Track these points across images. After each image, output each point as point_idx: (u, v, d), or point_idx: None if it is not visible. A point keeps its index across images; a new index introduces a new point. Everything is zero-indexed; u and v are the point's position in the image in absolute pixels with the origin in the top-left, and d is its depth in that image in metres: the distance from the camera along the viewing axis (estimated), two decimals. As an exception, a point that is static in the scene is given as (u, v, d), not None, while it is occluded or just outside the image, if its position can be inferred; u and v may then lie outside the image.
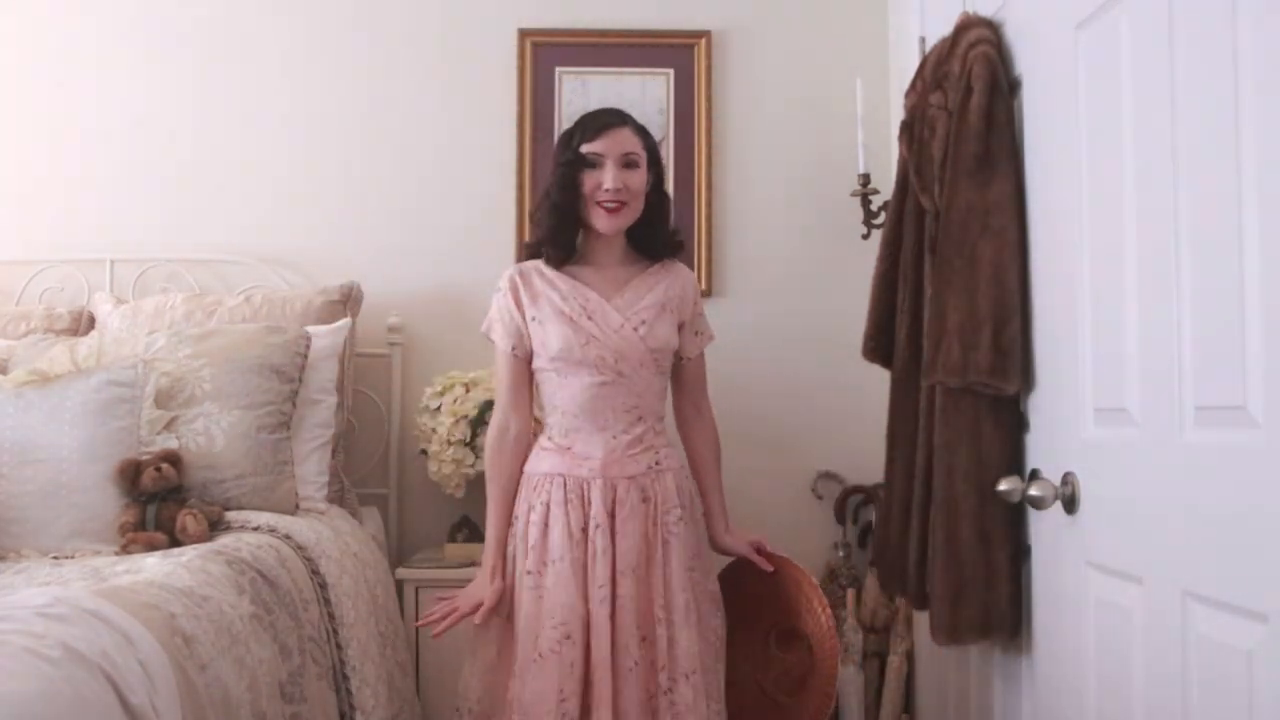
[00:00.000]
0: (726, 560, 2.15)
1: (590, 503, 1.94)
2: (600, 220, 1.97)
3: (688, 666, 1.90)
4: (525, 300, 2.02)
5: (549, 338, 1.98)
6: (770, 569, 2.03)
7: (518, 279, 2.04)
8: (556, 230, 2.00)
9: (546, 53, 2.82)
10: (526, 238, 2.14)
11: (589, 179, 1.96)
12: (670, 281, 2.06)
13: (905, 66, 2.48)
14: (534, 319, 2.01)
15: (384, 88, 2.84)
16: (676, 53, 2.83)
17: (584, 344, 1.96)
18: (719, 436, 2.16)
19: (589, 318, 1.98)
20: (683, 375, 2.13)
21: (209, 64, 2.84)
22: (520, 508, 2.00)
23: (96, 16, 2.85)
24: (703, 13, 2.85)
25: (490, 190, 2.83)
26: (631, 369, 1.98)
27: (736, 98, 2.86)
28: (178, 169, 2.83)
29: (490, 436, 2.08)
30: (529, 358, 2.05)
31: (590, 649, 1.87)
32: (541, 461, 2.01)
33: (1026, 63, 1.77)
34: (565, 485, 1.96)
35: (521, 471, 2.04)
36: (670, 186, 2.78)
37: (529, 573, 1.92)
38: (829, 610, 1.93)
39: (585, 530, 1.93)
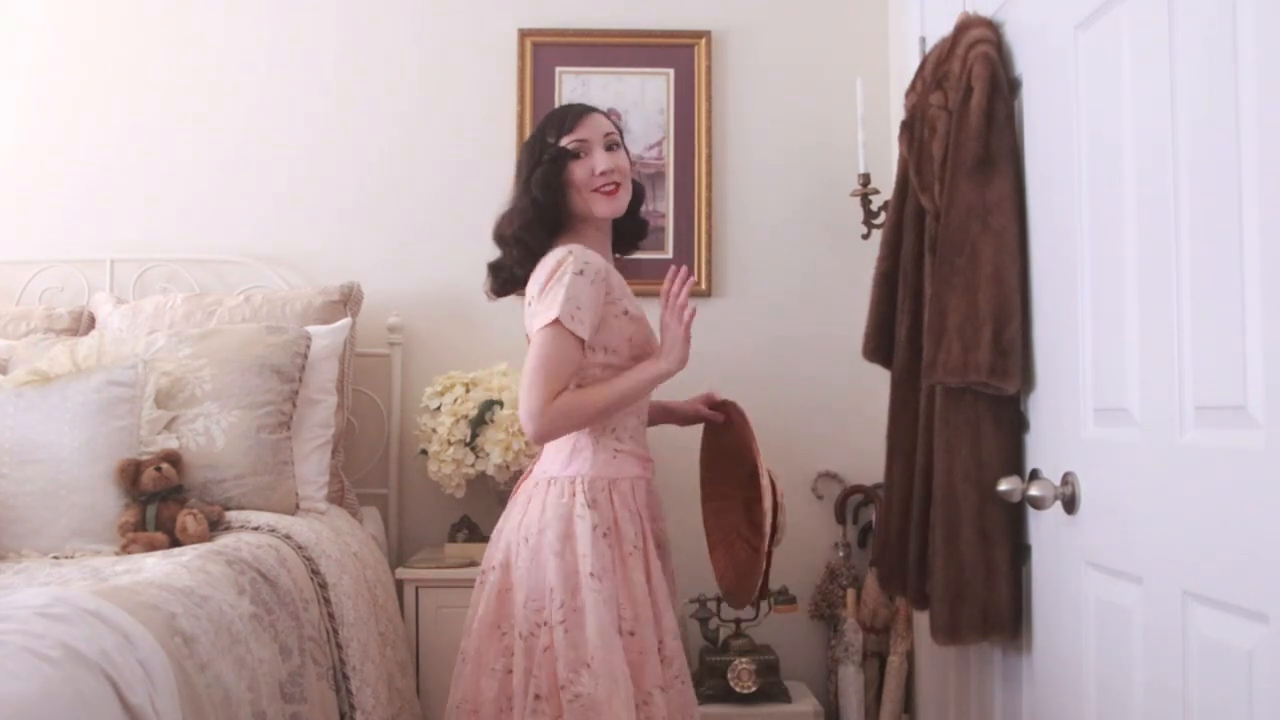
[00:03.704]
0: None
1: (656, 504, 1.95)
2: (601, 205, 1.89)
3: None
4: (616, 292, 1.87)
5: (639, 333, 1.89)
6: (720, 418, 2.02)
7: (605, 268, 1.85)
8: (532, 226, 1.89)
9: (546, 53, 2.82)
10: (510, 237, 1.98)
11: (578, 170, 1.88)
12: None
13: (905, 66, 2.49)
14: (626, 313, 1.87)
15: (384, 88, 2.84)
16: (676, 53, 2.83)
17: (654, 338, 1.93)
18: None
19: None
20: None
21: (208, 65, 2.84)
22: (618, 512, 1.83)
23: (96, 17, 2.85)
24: (703, 13, 2.85)
25: (491, 190, 2.80)
26: None
27: (736, 98, 2.86)
28: (178, 169, 2.83)
29: (564, 401, 1.79)
30: None
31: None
32: (625, 466, 1.87)
33: (1026, 63, 1.77)
34: (646, 489, 1.91)
35: None
36: (670, 187, 2.80)
37: (649, 579, 1.84)
38: (752, 434, 1.90)
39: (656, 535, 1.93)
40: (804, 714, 2.43)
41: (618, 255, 2.05)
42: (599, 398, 1.81)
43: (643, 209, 2.09)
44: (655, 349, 1.90)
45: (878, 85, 2.76)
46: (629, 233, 2.04)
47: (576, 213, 1.92)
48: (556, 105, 2.79)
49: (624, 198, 1.93)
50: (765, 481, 1.81)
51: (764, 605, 2.55)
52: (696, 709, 1.89)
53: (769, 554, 1.85)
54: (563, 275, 1.78)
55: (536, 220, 1.90)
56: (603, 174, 1.88)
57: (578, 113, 1.93)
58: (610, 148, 1.91)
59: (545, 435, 1.80)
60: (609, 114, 2.00)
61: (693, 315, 1.85)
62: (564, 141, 1.90)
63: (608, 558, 1.79)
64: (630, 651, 1.75)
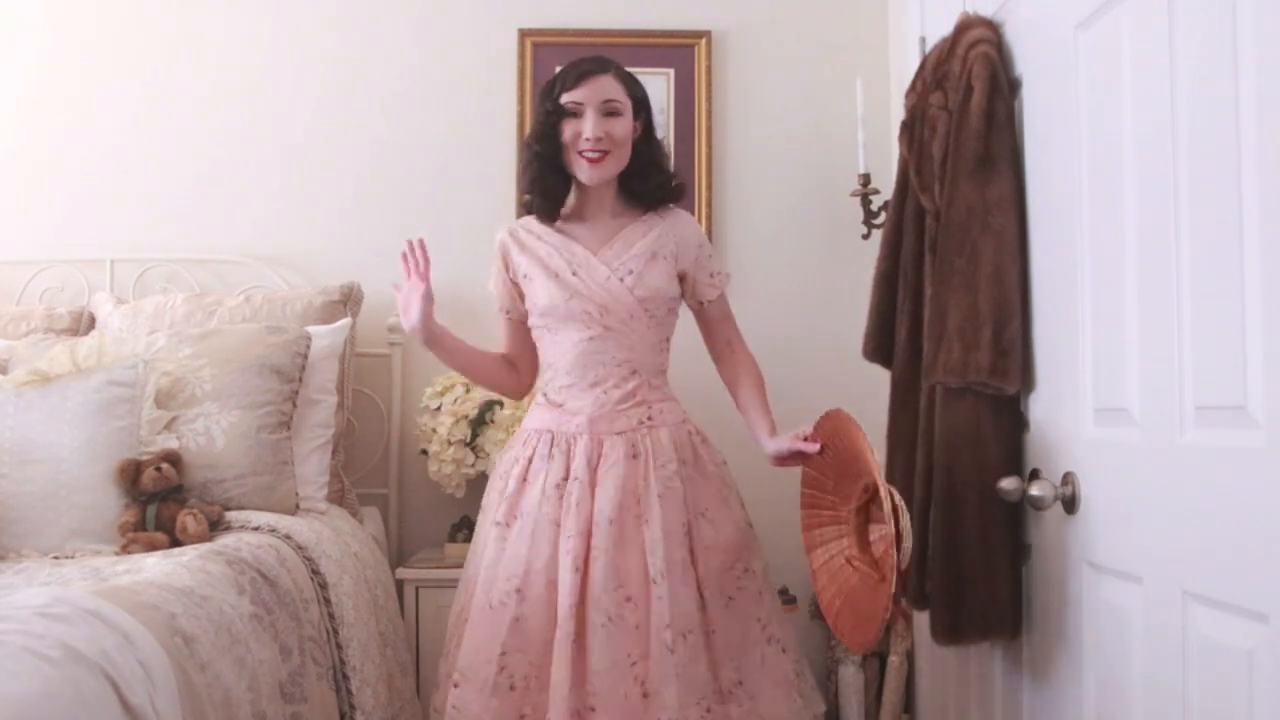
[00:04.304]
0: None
1: (573, 457, 1.90)
2: (582, 170, 1.93)
3: (685, 625, 1.82)
4: (515, 259, 2.00)
5: (537, 294, 1.96)
6: (816, 448, 1.88)
7: (508, 239, 2.03)
8: (541, 180, 1.97)
9: (546, 53, 2.82)
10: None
11: (569, 128, 1.91)
12: (665, 228, 2.01)
13: (905, 66, 2.49)
14: (525, 276, 1.99)
15: (384, 87, 2.84)
16: (676, 53, 2.83)
17: (568, 299, 1.92)
18: (758, 366, 2.10)
19: (574, 273, 1.94)
20: (706, 319, 2.10)
21: (209, 65, 2.84)
22: (506, 463, 1.98)
23: (96, 16, 2.85)
24: (703, 13, 2.85)
25: (491, 190, 2.83)
26: (620, 322, 1.94)
27: (736, 98, 2.86)
28: (178, 169, 2.83)
29: None
30: (524, 318, 2.04)
31: (553, 605, 1.80)
32: (533, 418, 2.00)
33: (1026, 63, 1.77)
34: (551, 440, 1.93)
35: (495, 367, 2.12)
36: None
37: (496, 524, 1.90)
38: (873, 455, 1.72)
39: (561, 484, 1.89)
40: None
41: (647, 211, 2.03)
42: None
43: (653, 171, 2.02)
44: (572, 310, 1.94)
45: (878, 85, 2.76)
46: (640, 193, 2.01)
47: (568, 170, 1.96)
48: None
49: (610, 166, 1.94)
50: (882, 486, 1.68)
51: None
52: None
53: (898, 569, 1.66)
54: None
55: (542, 175, 1.97)
56: (586, 139, 1.90)
57: (581, 72, 1.93)
58: (609, 113, 1.91)
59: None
60: (622, 77, 1.96)
61: (416, 283, 1.97)
62: (563, 99, 1.91)
63: (488, 498, 2.00)
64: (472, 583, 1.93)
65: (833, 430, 1.86)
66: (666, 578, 1.81)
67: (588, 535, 1.83)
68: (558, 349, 1.97)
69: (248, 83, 2.84)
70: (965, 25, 1.88)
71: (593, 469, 1.89)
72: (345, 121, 2.84)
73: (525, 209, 2.08)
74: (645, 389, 1.96)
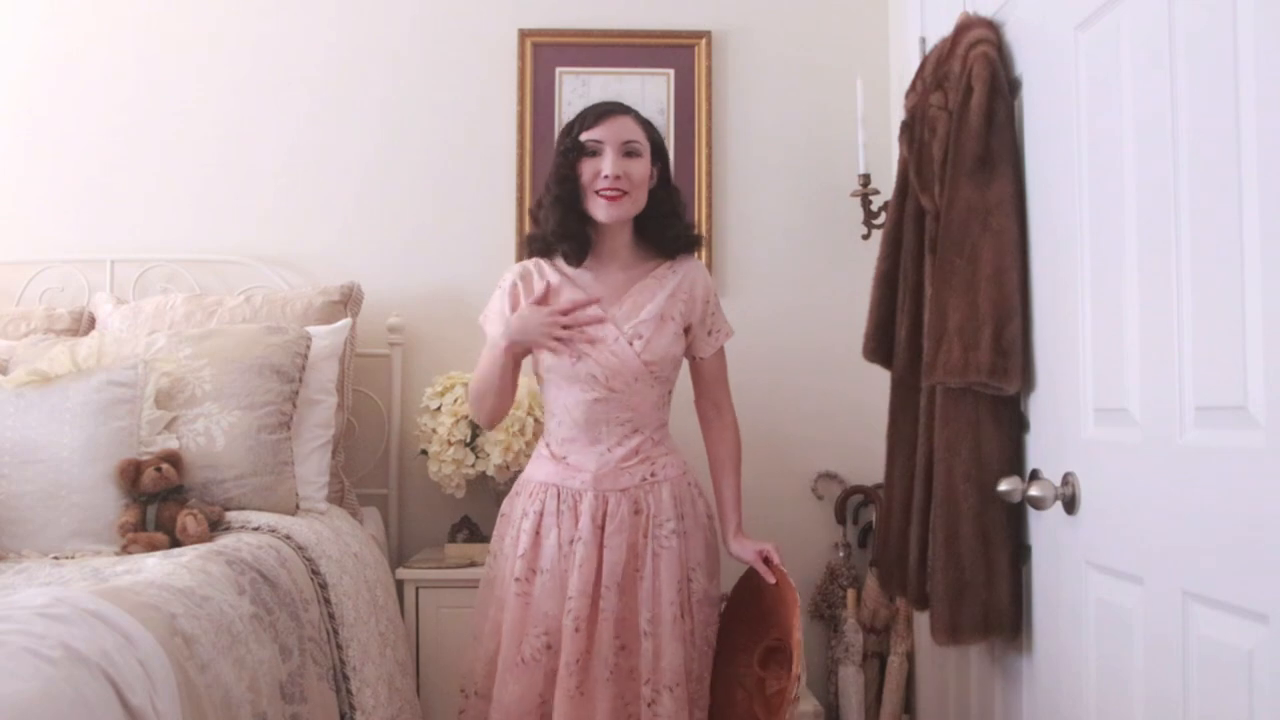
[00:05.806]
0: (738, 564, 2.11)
1: (580, 515, 1.92)
2: (600, 209, 1.92)
3: (672, 679, 1.87)
4: (524, 302, 1.99)
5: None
6: (772, 580, 1.96)
7: (519, 281, 2.02)
8: (563, 223, 1.95)
9: (546, 53, 2.83)
10: (527, 232, 2.11)
11: (588, 167, 1.92)
12: (677, 285, 2.00)
13: (905, 66, 2.49)
14: None
15: (384, 88, 2.84)
16: (676, 53, 2.83)
17: (575, 361, 1.93)
18: (739, 436, 2.11)
19: (583, 330, 1.94)
20: (700, 374, 2.10)
21: (209, 65, 2.84)
22: (515, 513, 2.00)
23: (97, 17, 2.85)
24: (703, 13, 2.85)
25: (491, 190, 2.83)
26: (625, 384, 1.94)
27: (736, 98, 2.86)
28: (177, 169, 2.83)
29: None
30: (525, 352, 2.02)
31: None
32: (538, 469, 2.01)
33: (1027, 63, 1.77)
34: (559, 495, 1.94)
35: (511, 398, 2.06)
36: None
37: (518, 579, 1.92)
38: (798, 633, 1.88)
39: (572, 542, 1.92)
40: (804, 714, 2.43)
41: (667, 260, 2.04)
42: (474, 374, 2.04)
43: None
44: (577, 372, 1.93)
45: (878, 85, 2.76)
46: (657, 241, 2.02)
47: (585, 210, 1.95)
48: (557, 105, 2.81)
49: (628, 206, 1.94)
50: (796, 669, 1.83)
51: None
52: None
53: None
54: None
55: (563, 219, 1.94)
56: (605, 177, 1.90)
57: (601, 111, 1.95)
58: (628, 154, 1.92)
59: (476, 419, 2.08)
60: (640, 120, 1.98)
61: (561, 316, 1.92)
62: (583, 137, 1.92)
63: (497, 544, 2.02)
64: (494, 621, 1.97)
65: (783, 590, 1.96)
66: (652, 635, 1.88)
67: (591, 596, 1.89)
68: (562, 403, 1.98)
69: (248, 83, 2.84)
70: (965, 25, 1.88)
71: (598, 528, 1.92)
72: (345, 121, 2.84)
73: (529, 247, 2.06)
74: (648, 445, 1.98)
